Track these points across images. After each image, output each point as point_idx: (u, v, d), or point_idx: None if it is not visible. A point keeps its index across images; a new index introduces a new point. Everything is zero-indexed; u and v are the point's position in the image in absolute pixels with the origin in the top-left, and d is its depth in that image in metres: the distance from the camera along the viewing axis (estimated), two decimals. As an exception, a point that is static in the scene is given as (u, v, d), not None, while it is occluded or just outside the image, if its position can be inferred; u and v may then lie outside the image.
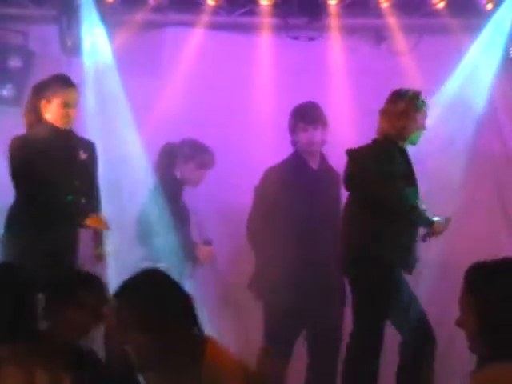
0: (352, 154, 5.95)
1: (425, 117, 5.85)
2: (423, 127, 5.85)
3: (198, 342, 3.64)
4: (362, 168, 5.90)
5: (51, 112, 6.02)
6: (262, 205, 6.74)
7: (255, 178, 6.85)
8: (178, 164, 6.92)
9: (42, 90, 6.08)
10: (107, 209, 6.50)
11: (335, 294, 6.61)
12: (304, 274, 6.43)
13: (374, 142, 5.93)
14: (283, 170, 6.70)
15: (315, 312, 6.58)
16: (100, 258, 6.43)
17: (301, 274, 6.43)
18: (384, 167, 5.78)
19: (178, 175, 7.06)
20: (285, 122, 6.82)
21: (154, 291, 3.68)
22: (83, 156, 6.15)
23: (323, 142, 6.65)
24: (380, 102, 6.16)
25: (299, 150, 6.64)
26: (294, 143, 6.63)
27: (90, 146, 6.21)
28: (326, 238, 6.49)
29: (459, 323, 3.80)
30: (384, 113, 5.91)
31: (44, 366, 3.85)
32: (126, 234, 6.95)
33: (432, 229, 5.87)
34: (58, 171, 6.06)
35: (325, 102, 6.98)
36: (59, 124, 6.02)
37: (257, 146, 7.13)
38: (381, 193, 5.75)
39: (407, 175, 5.89)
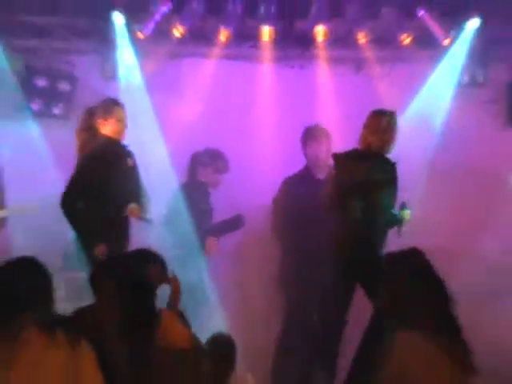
0: (342, 160, 6.45)
1: (397, 132, 6.48)
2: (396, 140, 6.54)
3: (155, 315, 4.57)
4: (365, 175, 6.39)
5: (109, 128, 6.64)
6: (280, 212, 7.35)
7: (257, 179, 7.58)
8: (200, 170, 7.49)
9: (97, 111, 6.71)
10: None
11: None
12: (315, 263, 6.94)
13: (366, 152, 6.38)
14: (294, 182, 7.33)
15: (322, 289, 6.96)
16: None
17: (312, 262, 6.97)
18: (380, 176, 6.34)
19: (202, 179, 7.52)
20: (282, 134, 7.68)
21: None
22: (130, 163, 6.76)
23: (328, 156, 6.98)
24: (360, 116, 6.91)
25: (308, 163, 7.26)
26: (305, 157, 7.26)
27: (132, 155, 6.78)
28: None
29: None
30: (368, 127, 6.41)
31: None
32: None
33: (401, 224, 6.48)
34: (116, 176, 6.62)
35: (315, 116, 7.69)
36: (116, 137, 6.69)
37: (259, 154, 7.79)
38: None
39: (393, 181, 6.48)
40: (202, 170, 7.64)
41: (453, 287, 6.09)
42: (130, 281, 4.71)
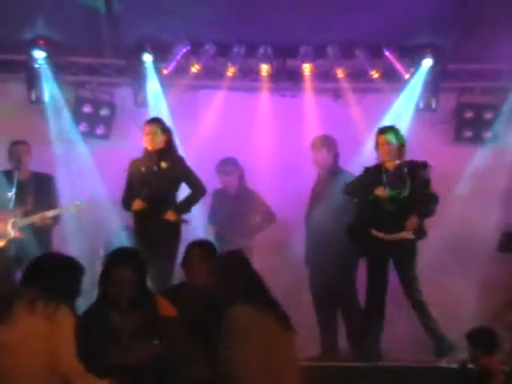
0: None
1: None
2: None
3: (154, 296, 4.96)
4: None
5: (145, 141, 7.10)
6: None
7: (257, 183, 8.12)
8: (218, 177, 8.13)
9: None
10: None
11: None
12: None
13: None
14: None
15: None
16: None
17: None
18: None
19: (223, 185, 8.10)
20: (277, 149, 8.24)
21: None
22: (164, 165, 7.11)
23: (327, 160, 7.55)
24: (337, 135, 7.82)
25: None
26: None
27: (172, 159, 7.12)
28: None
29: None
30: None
31: None
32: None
33: None
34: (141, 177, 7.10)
35: (302, 135, 8.15)
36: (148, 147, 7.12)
37: (260, 164, 8.28)
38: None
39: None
40: (219, 176, 8.16)
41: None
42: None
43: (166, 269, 6.95)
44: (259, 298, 4.69)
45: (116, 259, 5.01)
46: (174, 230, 7.16)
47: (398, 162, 7.05)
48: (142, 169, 7.20)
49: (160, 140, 7.18)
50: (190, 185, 7.30)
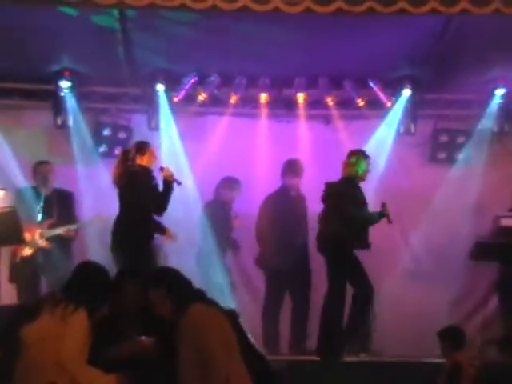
0: (329, 185, 6.95)
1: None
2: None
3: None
4: (338, 194, 6.89)
5: (145, 160, 6.93)
6: (263, 218, 7.86)
7: (256, 200, 8.07)
8: (221, 191, 8.12)
9: (132, 151, 6.97)
10: (176, 216, 7.59)
11: (306, 264, 7.73)
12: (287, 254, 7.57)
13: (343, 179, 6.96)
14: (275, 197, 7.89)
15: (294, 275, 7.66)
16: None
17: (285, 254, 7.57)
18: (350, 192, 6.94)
19: (223, 198, 8.12)
20: (274, 168, 8.12)
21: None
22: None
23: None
24: (327, 156, 8.02)
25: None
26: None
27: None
28: (300, 233, 7.72)
29: None
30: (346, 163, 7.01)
31: None
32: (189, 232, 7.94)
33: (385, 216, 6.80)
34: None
35: (296, 156, 8.12)
36: (150, 166, 6.97)
37: (259, 180, 8.31)
38: (348, 209, 6.83)
39: (362, 198, 7.05)
40: (222, 190, 8.15)
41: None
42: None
43: None
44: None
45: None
46: None
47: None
48: None
49: None
50: None
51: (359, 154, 7.14)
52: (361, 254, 6.98)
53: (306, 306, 7.72)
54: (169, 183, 6.87)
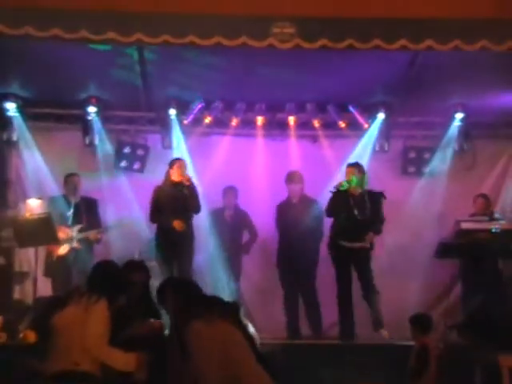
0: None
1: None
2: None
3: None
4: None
5: (173, 173, 7.34)
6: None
7: (254, 204, 8.16)
8: (222, 199, 8.14)
9: (170, 164, 7.42)
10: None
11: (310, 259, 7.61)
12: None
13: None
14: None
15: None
16: None
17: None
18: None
19: (222, 205, 8.14)
20: (270, 180, 8.22)
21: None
22: (186, 192, 7.27)
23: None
24: (314, 170, 8.05)
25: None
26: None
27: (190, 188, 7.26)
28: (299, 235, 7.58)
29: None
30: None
31: None
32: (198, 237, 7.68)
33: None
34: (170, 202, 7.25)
35: (287, 171, 8.00)
36: (177, 179, 7.30)
37: (254, 194, 8.34)
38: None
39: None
40: (223, 198, 8.19)
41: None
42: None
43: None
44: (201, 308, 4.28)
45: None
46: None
47: (360, 189, 7.21)
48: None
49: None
50: None
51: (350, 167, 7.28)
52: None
53: (313, 297, 7.63)
54: None
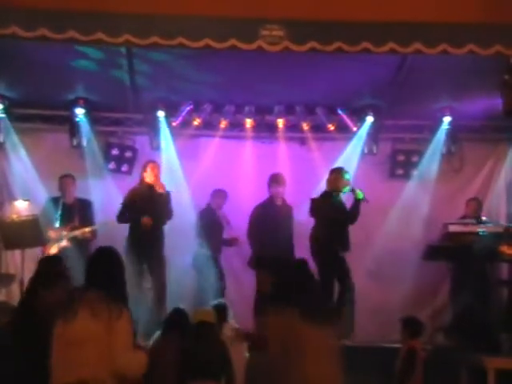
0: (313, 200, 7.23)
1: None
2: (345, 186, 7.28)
3: None
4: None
5: (146, 176, 7.43)
6: (253, 224, 7.73)
7: (242, 208, 8.08)
8: (211, 200, 8.11)
9: (143, 166, 7.56)
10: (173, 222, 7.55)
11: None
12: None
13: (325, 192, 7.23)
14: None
15: None
16: None
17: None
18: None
19: (214, 206, 8.16)
20: (258, 182, 8.11)
21: None
22: (160, 198, 7.32)
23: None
24: (302, 172, 8.11)
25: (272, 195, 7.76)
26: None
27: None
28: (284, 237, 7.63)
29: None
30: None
31: None
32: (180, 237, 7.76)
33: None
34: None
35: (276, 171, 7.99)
36: (150, 181, 7.39)
37: (243, 195, 8.32)
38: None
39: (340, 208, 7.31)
40: (211, 199, 8.17)
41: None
42: None
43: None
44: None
45: None
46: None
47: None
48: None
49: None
50: None
51: (338, 172, 7.31)
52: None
53: None
54: None
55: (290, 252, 7.61)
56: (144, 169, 7.56)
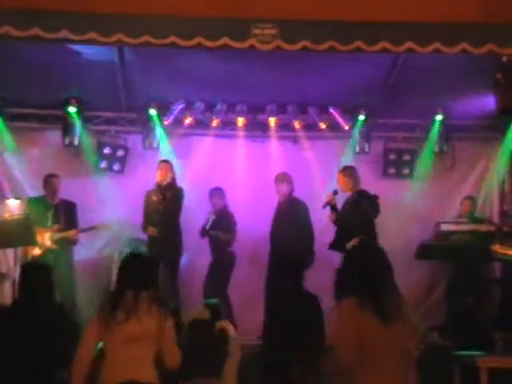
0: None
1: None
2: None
3: None
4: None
5: (156, 176, 7.50)
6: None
7: (233, 205, 8.05)
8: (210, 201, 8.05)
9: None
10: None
11: None
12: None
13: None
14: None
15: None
16: None
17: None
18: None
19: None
20: (250, 181, 8.24)
21: None
22: (168, 195, 7.45)
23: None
24: (294, 171, 7.95)
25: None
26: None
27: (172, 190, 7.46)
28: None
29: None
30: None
31: None
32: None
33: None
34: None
35: (269, 171, 8.13)
36: (159, 181, 7.48)
37: (236, 194, 8.30)
38: None
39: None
40: (209, 199, 8.11)
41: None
42: None
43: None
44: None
45: None
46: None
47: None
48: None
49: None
50: None
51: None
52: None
53: None
54: None
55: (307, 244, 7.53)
56: (156, 169, 7.60)
